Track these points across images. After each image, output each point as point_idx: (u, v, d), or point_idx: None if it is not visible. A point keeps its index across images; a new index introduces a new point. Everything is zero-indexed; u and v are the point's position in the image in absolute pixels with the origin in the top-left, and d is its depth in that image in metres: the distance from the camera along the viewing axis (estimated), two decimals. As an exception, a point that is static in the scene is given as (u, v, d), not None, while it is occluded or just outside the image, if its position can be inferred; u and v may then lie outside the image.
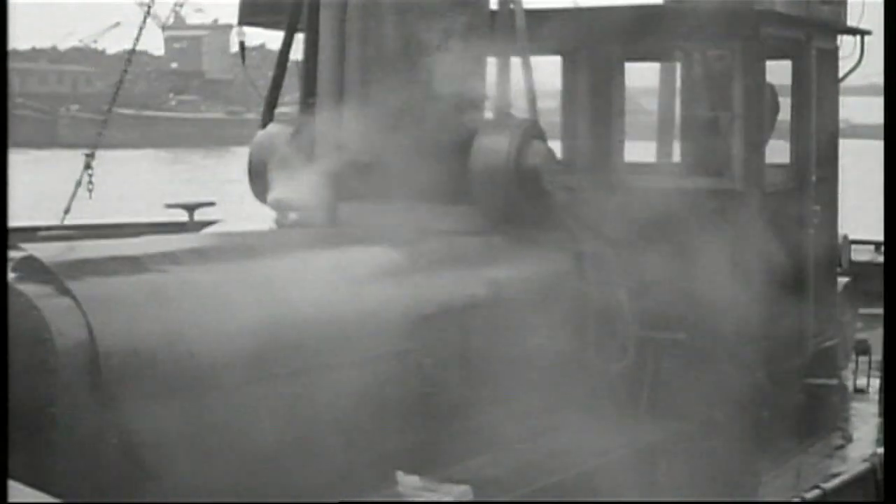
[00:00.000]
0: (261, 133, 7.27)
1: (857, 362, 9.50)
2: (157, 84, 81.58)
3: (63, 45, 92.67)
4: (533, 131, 6.78)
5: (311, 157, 6.72)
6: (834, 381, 8.47)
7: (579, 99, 7.81)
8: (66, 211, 6.04)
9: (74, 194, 6.30)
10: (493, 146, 6.69)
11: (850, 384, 9.42)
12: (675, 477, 6.89)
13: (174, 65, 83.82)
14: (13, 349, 4.35)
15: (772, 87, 8.14)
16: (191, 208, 6.16)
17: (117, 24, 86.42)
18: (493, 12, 6.91)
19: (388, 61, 6.71)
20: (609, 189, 7.52)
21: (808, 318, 8.14)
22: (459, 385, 5.99)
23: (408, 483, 5.50)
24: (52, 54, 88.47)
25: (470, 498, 5.49)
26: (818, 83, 8.22)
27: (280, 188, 6.69)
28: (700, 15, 7.45)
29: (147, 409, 4.56)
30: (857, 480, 7.50)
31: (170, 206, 6.20)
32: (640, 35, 7.52)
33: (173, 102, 79.54)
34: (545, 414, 6.53)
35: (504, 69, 6.86)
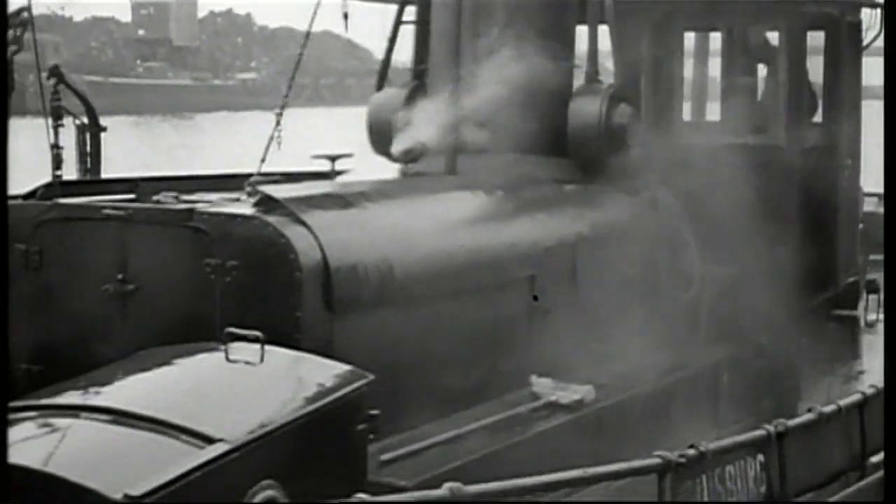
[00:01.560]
0: (377, 95, 8.41)
1: (867, 300, 10.73)
2: (125, 51, 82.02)
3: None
4: (619, 95, 7.94)
5: (429, 116, 7.82)
6: (856, 313, 9.69)
7: (646, 64, 8.94)
8: (263, 160, 7.12)
9: (268, 147, 7.38)
10: (587, 108, 7.85)
11: (861, 319, 10.64)
12: (734, 390, 8.08)
13: (141, 32, 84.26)
14: (263, 270, 5.46)
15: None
16: (333, 158, 7.25)
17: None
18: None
19: (497, 32, 7.84)
20: (671, 144, 8.67)
21: (838, 257, 9.34)
22: (570, 306, 7.15)
23: (541, 384, 6.66)
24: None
25: (593, 396, 6.65)
26: (842, 49, 9.39)
27: (405, 142, 7.80)
28: None
29: (361, 315, 5.69)
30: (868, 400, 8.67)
31: (316, 156, 7.29)
32: (700, 8, 8.69)
33: (140, 69, 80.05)
34: (632, 334, 7.70)
35: (594, 40, 8.01)
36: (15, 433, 4.27)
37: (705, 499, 5.13)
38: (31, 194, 6.42)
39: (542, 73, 7.86)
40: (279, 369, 4.80)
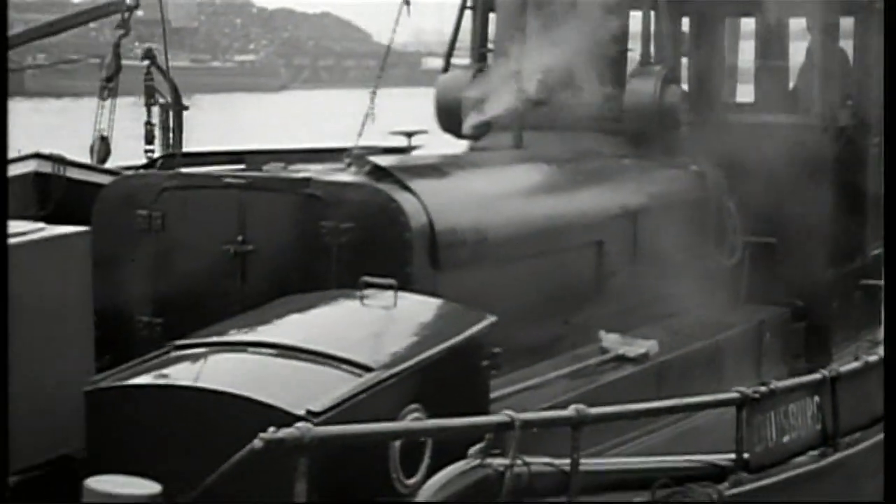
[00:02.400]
0: (443, 77, 9.16)
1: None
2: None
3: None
4: (670, 76, 8.69)
5: (496, 95, 8.56)
6: (881, 283, 10.42)
7: (692, 48, 9.67)
8: (360, 135, 7.83)
9: (364, 122, 8.10)
10: (641, 88, 8.61)
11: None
12: (774, 348, 8.84)
13: (140, 13, 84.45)
14: (376, 231, 6.18)
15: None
16: (409, 134, 7.98)
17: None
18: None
19: (557, 19, 8.57)
20: (716, 123, 9.41)
21: (866, 230, 10.08)
22: (631, 269, 7.90)
23: (609, 339, 7.40)
24: (18, 4, 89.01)
25: (657, 350, 7.39)
26: (872, 36, 10.12)
27: (475, 119, 8.54)
28: None
29: (459, 272, 6.42)
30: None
31: (393, 133, 8.02)
32: None
33: (138, 51, 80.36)
34: (684, 295, 8.45)
35: (647, 25, 8.75)
36: (190, 364, 5.01)
37: (773, 432, 5.87)
38: (150, 164, 7.13)
39: (598, 56, 8.62)
40: (413, 311, 5.54)
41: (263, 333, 5.21)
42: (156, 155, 8.87)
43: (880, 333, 10.48)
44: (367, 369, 4.84)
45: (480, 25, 9.16)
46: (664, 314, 8.09)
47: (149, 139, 9.11)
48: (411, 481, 4.81)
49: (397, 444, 4.71)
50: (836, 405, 6.28)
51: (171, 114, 9.41)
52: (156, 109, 9.26)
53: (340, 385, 4.70)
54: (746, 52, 10.86)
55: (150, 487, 3.81)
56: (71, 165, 7.57)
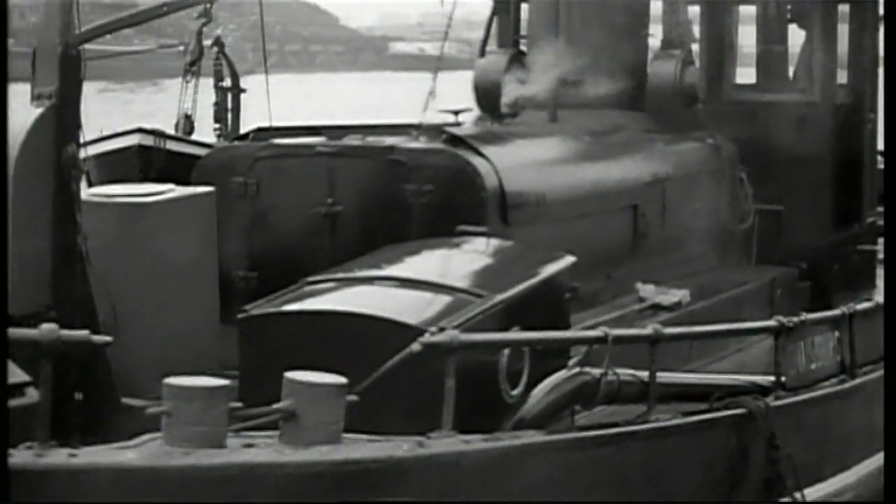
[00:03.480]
0: (481, 61, 10.23)
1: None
2: (91, 16, 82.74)
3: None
4: (689, 59, 9.78)
5: (533, 77, 9.62)
6: (877, 248, 11.56)
7: (704, 34, 10.76)
8: (424, 111, 8.90)
9: (428, 101, 9.17)
10: (663, 69, 9.71)
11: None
12: (784, 304, 9.94)
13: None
14: (454, 192, 7.23)
15: None
16: (456, 113, 9.04)
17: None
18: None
19: (587, 8, 9.66)
20: (725, 101, 10.50)
21: (862, 199, 11.19)
22: (661, 230, 8.99)
23: (646, 289, 8.49)
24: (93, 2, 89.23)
25: (689, 299, 8.48)
26: (866, 20, 11.24)
27: (512, 98, 9.60)
28: None
29: (524, 228, 7.48)
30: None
31: (441, 111, 9.08)
32: None
33: (107, 35, 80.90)
34: (704, 254, 9.55)
35: (668, 13, 9.85)
36: (328, 294, 6.05)
37: (802, 359, 6.98)
38: (243, 137, 8.15)
39: (623, 40, 9.72)
40: (505, 253, 6.61)
41: (383, 270, 6.25)
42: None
43: (875, 293, 11.62)
44: (479, 296, 5.90)
45: (514, 15, 10.25)
46: (689, 271, 9.18)
47: (217, 118, 10.13)
48: (514, 392, 5.87)
49: (505, 358, 5.75)
50: (852, 339, 7.40)
51: (230, 96, 10.43)
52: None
53: (461, 309, 5.75)
54: (743, 37, 11.99)
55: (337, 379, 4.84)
56: (170, 139, 8.60)
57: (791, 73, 11.36)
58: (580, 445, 5.52)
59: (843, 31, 11.38)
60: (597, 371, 5.72)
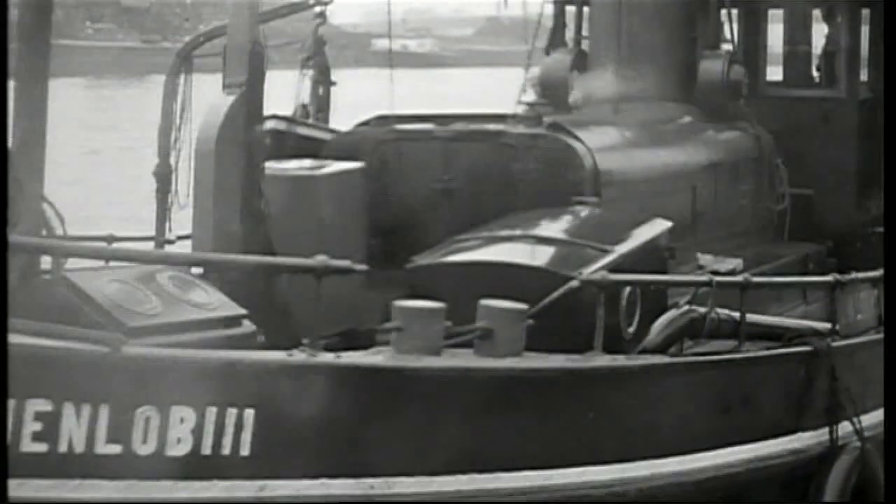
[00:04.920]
0: (547, 59, 11.75)
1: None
2: (74, 12, 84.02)
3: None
4: (734, 58, 11.34)
5: (597, 73, 11.16)
6: (891, 229, 13.14)
7: (741, 36, 12.32)
8: (518, 102, 10.44)
9: (522, 91, 10.73)
10: (712, 68, 11.24)
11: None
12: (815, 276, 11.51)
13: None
14: (556, 171, 8.73)
15: None
16: (532, 105, 10.56)
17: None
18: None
19: (644, 12, 11.21)
20: (759, 96, 12.06)
21: (882, 186, 12.72)
22: (712, 209, 10.52)
23: (705, 258, 10.02)
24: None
25: (741, 267, 10.01)
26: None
27: (578, 92, 11.13)
28: None
29: (611, 204, 8.99)
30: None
31: (521, 103, 10.62)
32: None
33: (90, 31, 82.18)
34: (748, 230, 11.10)
35: (715, 18, 11.41)
36: (478, 248, 7.53)
37: (851, 310, 8.54)
38: (364, 123, 9.62)
39: (676, 40, 11.28)
40: (615, 219, 8.13)
41: (518, 231, 7.76)
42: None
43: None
44: (603, 251, 7.41)
45: (577, 17, 11.81)
46: (736, 245, 10.72)
47: (319, 108, 11.51)
48: (630, 329, 7.38)
49: (625, 298, 7.25)
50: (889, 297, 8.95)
51: (320, 89, 11.82)
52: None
53: (589, 260, 7.26)
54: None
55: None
56: (300, 124, 10.06)
57: (814, 71, 12.98)
58: (692, 368, 7.06)
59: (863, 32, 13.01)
60: (702, 310, 7.27)
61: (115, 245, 9.03)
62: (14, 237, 5.87)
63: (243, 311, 6.78)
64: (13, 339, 5.18)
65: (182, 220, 9.43)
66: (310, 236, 8.11)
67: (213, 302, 6.66)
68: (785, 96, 12.24)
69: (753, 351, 7.51)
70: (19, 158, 6.13)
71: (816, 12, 12.94)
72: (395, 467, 5.89)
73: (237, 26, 7.86)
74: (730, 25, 12.19)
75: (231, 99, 7.71)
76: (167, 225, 9.82)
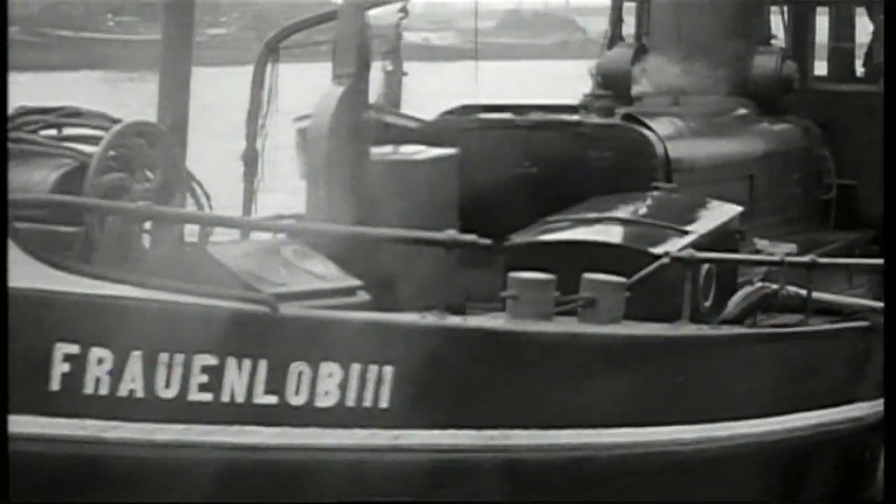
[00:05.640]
0: (609, 53, 12.44)
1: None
2: (95, 5, 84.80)
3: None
4: (786, 54, 12.02)
5: (657, 68, 11.84)
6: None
7: (791, 32, 12.99)
8: (591, 90, 11.15)
9: (593, 82, 11.43)
10: (765, 63, 11.93)
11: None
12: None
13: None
14: (631, 159, 9.43)
15: None
16: (598, 97, 11.24)
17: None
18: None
19: (704, 6, 11.91)
20: (808, 90, 12.74)
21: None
22: (768, 198, 11.20)
23: (762, 243, 10.69)
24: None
25: (795, 251, 10.69)
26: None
27: (642, 86, 11.82)
28: None
29: (681, 188, 9.67)
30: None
31: (586, 95, 11.32)
32: None
33: (111, 24, 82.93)
34: (795, 220, 11.78)
35: (767, 15, 12.11)
36: (567, 229, 8.22)
37: None
38: (449, 112, 10.31)
39: (732, 36, 11.97)
40: (692, 202, 8.83)
41: (603, 213, 8.45)
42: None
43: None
44: (685, 233, 8.10)
45: (640, 12, 12.52)
46: (788, 231, 11.40)
47: (392, 98, 12.20)
48: (706, 303, 8.07)
49: (704, 275, 7.94)
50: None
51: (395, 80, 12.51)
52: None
53: (678, 240, 7.95)
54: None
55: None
56: (387, 113, 10.75)
57: (857, 67, 13.67)
58: (766, 338, 7.76)
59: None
60: (774, 286, 7.96)
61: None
62: (170, 209, 6.61)
63: (358, 282, 7.47)
64: (181, 298, 5.92)
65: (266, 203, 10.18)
66: (407, 216, 8.80)
67: (331, 273, 7.34)
68: (830, 90, 12.91)
69: (818, 325, 8.19)
70: (173, 138, 6.85)
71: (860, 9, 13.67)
72: (512, 421, 6.60)
73: (346, 23, 8.53)
74: (782, 21, 12.99)
75: (341, 89, 8.40)
76: (253, 207, 10.52)
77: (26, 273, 5.71)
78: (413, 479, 6.38)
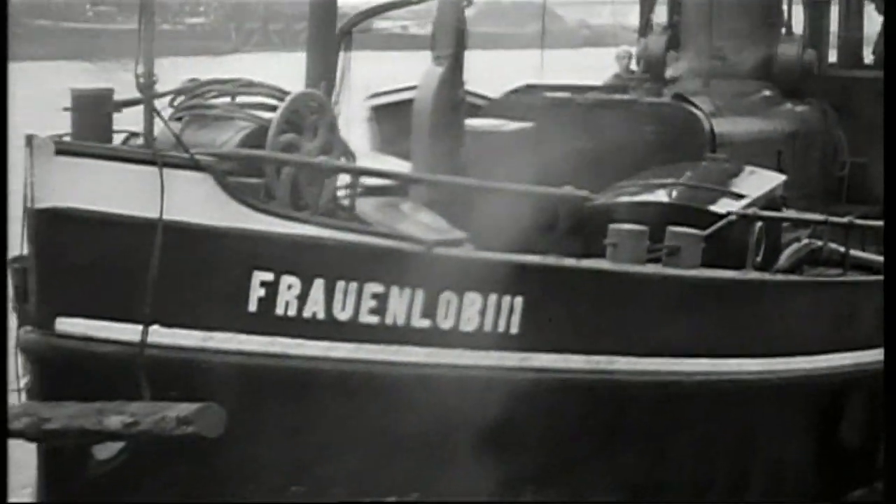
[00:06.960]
0: (647, 39, 13.75)
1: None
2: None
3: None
4: (807, 42, 13.37)
5: (690, 54, 13.16)
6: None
7: (808, 22, 14.32)
8: (625, 71, 12.46)
9: (627, 66, 12.73)
10: (789, 51, 13.27)
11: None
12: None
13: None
14: (681, 134, 10.73)
15: None
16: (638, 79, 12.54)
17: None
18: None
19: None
20: (823, 76, 14.08)
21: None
22: (793, 173, 12.52)
23: (789, 213, 12.01)
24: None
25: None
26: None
27: (672, 70, 13.14)
28: None
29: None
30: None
31: (626, 77, 12.61)
32: None
33: (90, 14, 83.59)
34: (814, 194, 13.10)
35: (789, 7, 13.45)
36: (636, 193, 9.50)
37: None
38: (514, 91, 11.59)
39: (759, 24, 13.31)
40: (742, 171, 10.14)
41: (668, 179, 9.74)
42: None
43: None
44: (740, 196, 9.41)
45: (671, 3, 13.86)
46: (809, 204, 12.72)
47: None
48: (757, 258, 9.37)
49: (755, 235, 9.24)
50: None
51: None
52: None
53: (734, 202, 9.25)
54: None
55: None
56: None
57: (865, 54, 15.03)
58: (812, 285, 9.11)
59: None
60: (819, 242, 9.30)
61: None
62: (337, 161, 7.86)
63: (464, 234, 8.74)
64: (354, 238, 7.21)
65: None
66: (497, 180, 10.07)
67: (442, 226, 8.62)
68: (843, 76, 14.26)
69: (853, 276, 9.54)
70: (331, 105, 8.16)
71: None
72: (614, 347, 7.91)
73: (445, 9, 9.78)
74: (804, 12, 14.33)
75: (440, 69, 9.66)
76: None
77: (233, 214, 6.99)
78: (535, 396, 7.68)
